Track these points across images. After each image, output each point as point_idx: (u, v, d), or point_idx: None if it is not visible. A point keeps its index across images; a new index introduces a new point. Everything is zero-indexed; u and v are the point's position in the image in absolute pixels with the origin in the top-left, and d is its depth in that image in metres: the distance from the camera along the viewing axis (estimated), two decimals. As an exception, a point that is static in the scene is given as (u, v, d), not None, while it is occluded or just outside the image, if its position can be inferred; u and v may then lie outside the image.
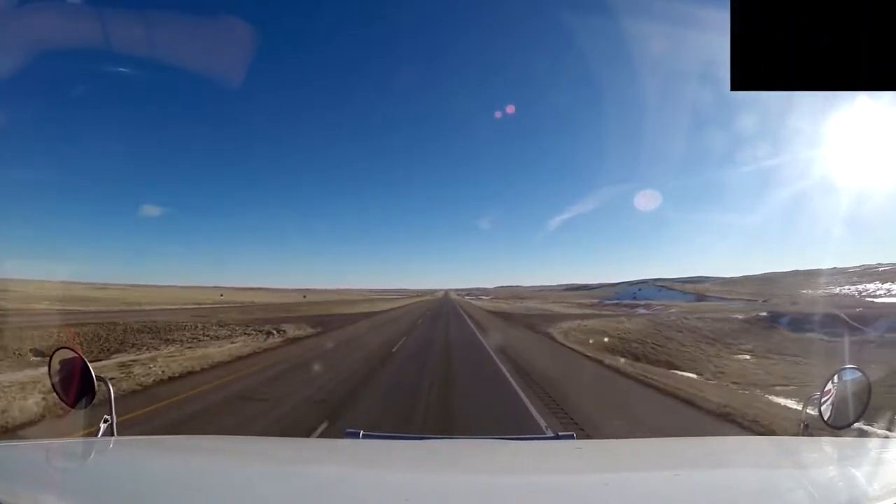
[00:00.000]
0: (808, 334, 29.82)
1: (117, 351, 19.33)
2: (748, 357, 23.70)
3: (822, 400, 1.64)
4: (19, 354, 18.33)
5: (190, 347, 17.78)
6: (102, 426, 1.59)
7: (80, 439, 2.21)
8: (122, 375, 10.38)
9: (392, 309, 58.00)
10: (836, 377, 1.65)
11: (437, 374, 11.47)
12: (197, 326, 26.80)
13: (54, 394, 1.74)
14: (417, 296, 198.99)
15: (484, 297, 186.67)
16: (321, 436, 6.13)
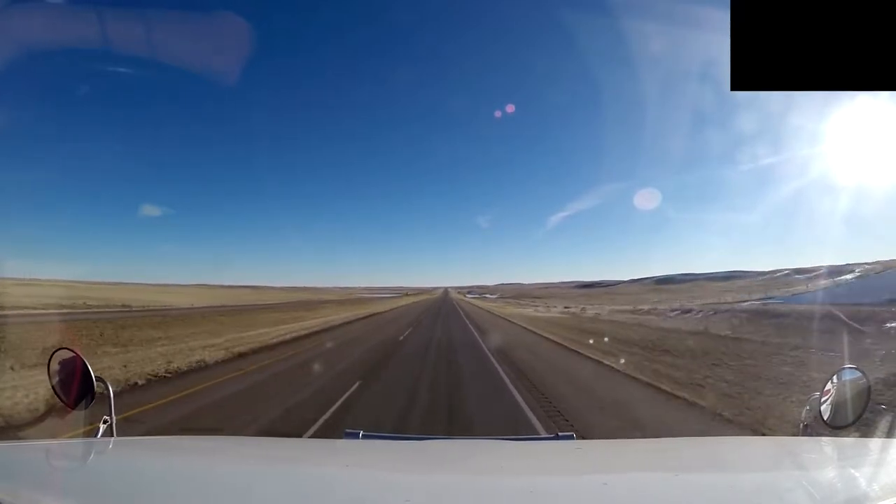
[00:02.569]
0: None
1: None
2: None
3: (822, 400, 1.64)
4: None
5: None
6: (102, 427, 1.59)
7: (80, 440, 2.21)
8: None
9: (309, 335, 21.90)
10: (835, 377, 1.65)
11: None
12: None
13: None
14: (407, 295, 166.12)
15: (489, 296, 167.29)
16: None
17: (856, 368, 1.66)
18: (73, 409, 1.64)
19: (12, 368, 10.70)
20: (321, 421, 6.81)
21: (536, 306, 64.57)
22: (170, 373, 11.96)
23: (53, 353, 1.71)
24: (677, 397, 8.52)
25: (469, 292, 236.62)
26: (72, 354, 1.68)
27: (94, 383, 1.64)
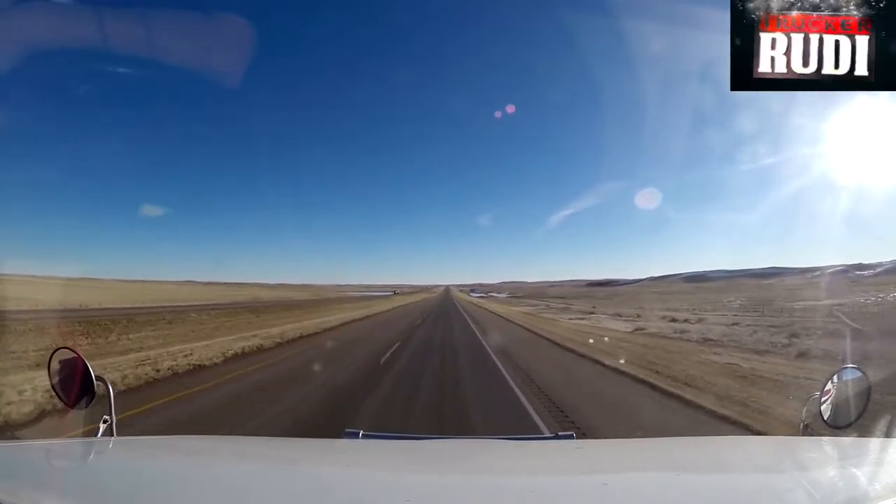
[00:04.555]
0: None
1: None
2: None
3: (822, 400, 1.64)
4: None
5: None
6: (102, 426, 1.59)
7: (80, 439, 2.21)
8: None
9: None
10: (835, 377, 1.65)
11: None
12: None
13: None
14: (396, 294, 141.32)
15: (497, 295, 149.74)
16: None
17: (856, 368, 1.66)
18: (73, 408, 1.64)
19: None
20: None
21: (591, 314, 40.36)
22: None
23: (53, 352, 1.70)
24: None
25: (472, 291, 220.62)
26: (72, 354, 1.68)
27: (94, 383, 1.64)
